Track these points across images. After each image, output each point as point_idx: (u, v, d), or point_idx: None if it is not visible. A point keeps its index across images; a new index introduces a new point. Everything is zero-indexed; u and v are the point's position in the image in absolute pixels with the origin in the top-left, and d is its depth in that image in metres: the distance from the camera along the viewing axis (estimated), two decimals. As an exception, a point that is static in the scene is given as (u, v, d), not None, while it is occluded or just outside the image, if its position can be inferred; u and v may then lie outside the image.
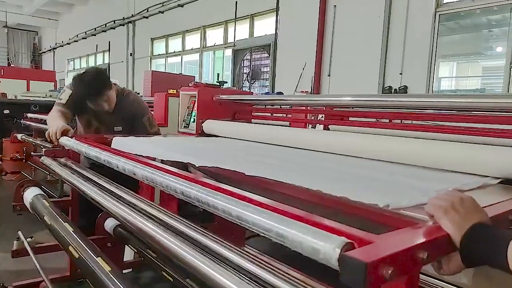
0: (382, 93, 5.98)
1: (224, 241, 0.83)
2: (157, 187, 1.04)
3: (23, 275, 2.04)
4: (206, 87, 2.48)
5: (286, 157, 1.55)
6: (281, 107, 2.64)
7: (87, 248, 1.06)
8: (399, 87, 5.89)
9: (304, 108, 2.70)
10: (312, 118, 3.18)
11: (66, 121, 2.13)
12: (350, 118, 2.40)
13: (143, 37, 12.18)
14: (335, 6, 6.72)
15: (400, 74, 5.89)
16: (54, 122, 2.03)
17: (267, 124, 2.40)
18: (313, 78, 6.90)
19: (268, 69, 7.81)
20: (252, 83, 7.95)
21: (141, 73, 8.43)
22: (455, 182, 1.08)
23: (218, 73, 7.46)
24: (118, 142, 1.82)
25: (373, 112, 2.05)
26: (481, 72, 9.95)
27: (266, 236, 0.68)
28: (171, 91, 4.14)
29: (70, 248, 1.10)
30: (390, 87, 5.97)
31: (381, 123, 2.21)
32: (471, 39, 6.71)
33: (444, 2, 5.53)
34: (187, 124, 2.51)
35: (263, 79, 7.94)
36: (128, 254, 2.28)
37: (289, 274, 0.69)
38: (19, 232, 1.81)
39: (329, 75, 6.79)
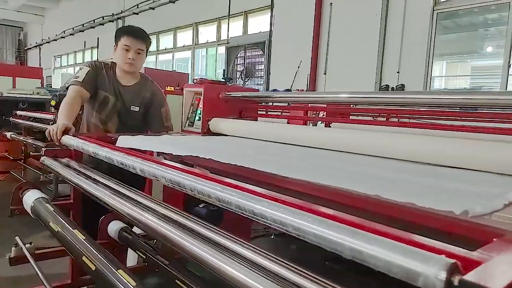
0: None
1: (243, 240, 0.76)
2: (183, 190, 0.94)
3: (21, 282, 1.91)
4: (212, 84, 2.38)
5: (311, 157, 1.46)
6: (289, 104, 2.55)
7: (105, 260, 0.95)
8: (396, 86, 5.86)
9: (310, 105, 2.62)
10: (313, 115, 3.11)
11: (79, 105, 2.11)
12: (360, 116, 2.33)
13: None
14: (331, 3, 6.66)
15: (398, 72, 5.86)
16: (59, 118, 1.95)
17: (277, 122, 2.32)
18: (309, 76, 6.83)
19: (263, 67, 7.71)
20: (246, 81, 7.85)
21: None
22: (490, 182, 1.01)
23: (224, 70, 7.31)
24: (125, 141, 1.71)
25: (386, 109, 1.98)
26: (471, 71, 10.07)
27: (336, 252, 0.58)
28: (168, 88, 4.03)
29: (85, 259, 0.99)
30: (387, 86, 5.94)
31: (395, 122, 2.15)
32: (468, 38, 6.74)
33: (441, 0, 5.51)
34: (191, 122, 2.41)
35: (258, 77, 7.84)
36: (131, 259, 2.17)
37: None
38: (17, 238, 1.69)
39: (325, 73, 6.73)
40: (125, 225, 1.80)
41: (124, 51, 2.14)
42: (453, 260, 0.47)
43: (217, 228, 0.95)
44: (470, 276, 0.43)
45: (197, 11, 9.56)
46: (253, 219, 0.71)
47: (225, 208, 0.76)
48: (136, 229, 1.80)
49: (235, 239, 0.85)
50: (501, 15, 5.66)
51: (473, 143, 1.26)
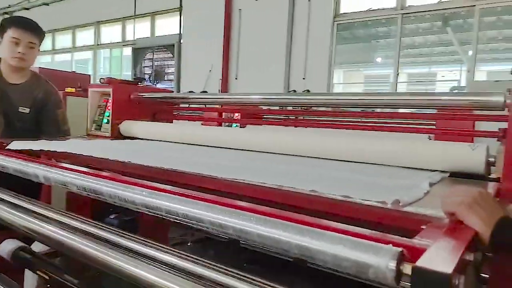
0: (288, 96, 6.20)
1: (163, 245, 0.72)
2: (100, 197, 0.84)
3: None
4: (122, 84, 2.21)
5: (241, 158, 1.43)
6: (205, 106, 2.49)
7: None
8: (302, 91, 6.17)
9: (224, 107, 2.61)
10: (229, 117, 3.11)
11: None
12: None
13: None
14: (240, 10, 6.77)
15: (303, 79, 6.17)
16: None
17: (192, 125, 2.25)
18: (221, 80, 6.84)
19: (173, 70, 7.51)
20: (155, 84, 7.56)
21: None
22: (413, 177, 1.09)
23: (139, 70, 6.90)
24: (18, 146, 1.48)
25: (296, 110, 2.06)
26: (364, 79, 11.13)
27: (280, 252, 0.55)
28: (68, 90, 3.68)
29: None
30: (295, 91, 6.22)
31: (302, 121, 2.24)
32: (362, 48, 7.40)
33: (341, 12, 5.96)
34: (99, 125, 2.20)
35: (168, 80, 7.60)
36: (29, 284, 1.90)
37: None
38: None
39: (236, 78, 6.80)
40: (23, 244, 1.57)
41: (13, 44, 1.90)
42: (400, 249, 0.48)
43: (135, 236, 0.87)
44: (421, 263, 0.43)
45: (99, 9, 8.94)
46: (187, 223, 0.65)
47: (154, 215, 0.69)
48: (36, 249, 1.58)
49: (156, 245, 0.80)
50: (390, 29, 6.33)
51: (379, 141, 1.35)
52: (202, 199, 0.65)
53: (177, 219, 0.66)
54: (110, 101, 2.16)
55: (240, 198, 0.68)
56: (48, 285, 1.64)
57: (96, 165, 1.35)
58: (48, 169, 0.94)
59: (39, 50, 2.04)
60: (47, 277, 1.48)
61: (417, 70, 10.43)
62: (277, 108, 3.24)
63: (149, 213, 0.70)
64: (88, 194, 0.83)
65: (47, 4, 9.89)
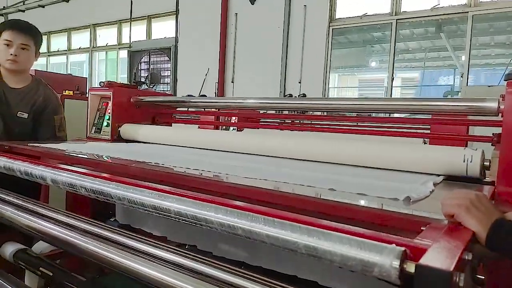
0: (283, 100, 6.24)
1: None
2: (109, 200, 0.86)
3: None
4: (122, 87, 2.23)
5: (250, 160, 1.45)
6: (204, 109, 2.52)
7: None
8: (298, 95, 6.22)
9: (224, 110, 2.64)
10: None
11: None
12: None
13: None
14: (236, 14, 6.81)
15: (299, 83, 6.22)
16: None
17: (191, 128, 2.28)
18: (217, 84, 6.87)
19: (169, 73, 7.53)
20: (152, 87, 7.57)
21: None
22: (411, 180, 1.13)
23: (135, 72, 6.88)
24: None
25: (292, 114, 2.09)
26: (358, 83, 11.24)
27: (288, 251, 0.58)
28: (67, 92, 3.69)
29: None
30: (291, 95, 6.26)
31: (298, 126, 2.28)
32: (357, 53, 7.50)
33: (336, 17, 6.02)
34: (98, 128, 2.22)
35: (164, 83, 7.62)
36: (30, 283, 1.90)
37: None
38: None
39: (232, 82, 6.83)
40: (23, 246, 1.58)
41: (6, 47, 1.88)
42: (403, 248, 0.51)
43: (142, 236, 0.89)
44: (424, 261, 0.46)
45: (94, 12, 8.95)
46: (197, 224, 0.67)
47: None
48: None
49: (158, 244, 0.82)
50: (384, 34, 6.42)
51: (376, 145, 1.38)
52: (212, 201, 0.67)
53: (187, 220, 0.68)
54: (110, 104, 2.17)
55: (251, 201, 0.71)
56: (48, 287, 1.65)
57: (99, 167, 1.38)
58: (56, 172, 0.96)
59: (39, 52, 2.03)
60: (47, 278, 1.49)
61: (412, 75, 10.56)
62: (274, 112, 3.28)
63: (160, 215, 0.72)
64: (97, 197, 0.85)
65: (43, 7, 9.87)
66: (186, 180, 1.02)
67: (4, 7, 10.70)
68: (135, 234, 0.91)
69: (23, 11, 10.34)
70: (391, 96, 5.72)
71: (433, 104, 1.41)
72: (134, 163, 1.20)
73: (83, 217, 1.05)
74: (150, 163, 1.24)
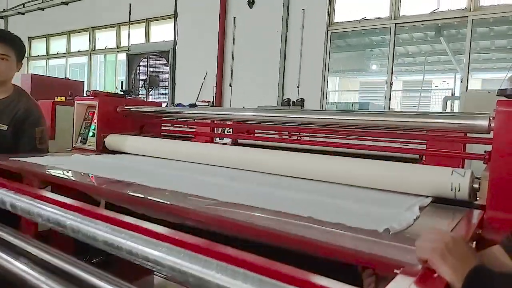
0: (281, 104, 6.20)
1: None
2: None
3: None
4: (108, 97, 2.18)
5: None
6: (194, 120, 2.46)
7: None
8: (296, 99, 6.16)
9: (216, 122, 2.58)
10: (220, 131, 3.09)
11: None
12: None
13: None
14: (234, 17, 6.77)
15: (298, 87, 6.16)
16: None
17: (183, 140, 2.22)
18: (215, 88, 6.82)
19: (167, 77, 7.49)
20: (150, 91, 7.53)
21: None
22: (396, 203, 1.07)
23: (122, 81, 6.84)
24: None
25: (289, 127, 2.03)
26: (359, 86, 11.18)
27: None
28: (59, 99, 3.65)
29: None
30: (289, 99, 6.21)
31: (295, 139, 2.22)
32: (357, 56, 7.44)
33: (335, 21, 5.97)
34: (84, 138, 2.17)
35: (162, 86, 7.58)
36: None
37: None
38: None
39: (230, 86, 6.78)
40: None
41: None
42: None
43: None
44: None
45: (93, 15, 8.93)
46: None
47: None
48: None
49: None
50: (383, 38, 6.36)
51: (367, 164, 1.32)
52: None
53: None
54: (95, 113, 2.13)
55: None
56: None
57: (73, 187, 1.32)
58: (16, 197, 0.91)
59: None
60: None
61: (412, 77, 10.49)
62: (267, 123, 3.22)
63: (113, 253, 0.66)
64: (53, 227, 0.79)
65: (43, 9, 9.86)
66: (161, 207, 0.97)
67: (4, 9, 10.70)
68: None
69: (23, 13, 10.34)
70: (390, 100, 5.66)
71: (425, 121, 1.35)
72: (107, 184, 1.15)
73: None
74: (125, 182, 1.19)
